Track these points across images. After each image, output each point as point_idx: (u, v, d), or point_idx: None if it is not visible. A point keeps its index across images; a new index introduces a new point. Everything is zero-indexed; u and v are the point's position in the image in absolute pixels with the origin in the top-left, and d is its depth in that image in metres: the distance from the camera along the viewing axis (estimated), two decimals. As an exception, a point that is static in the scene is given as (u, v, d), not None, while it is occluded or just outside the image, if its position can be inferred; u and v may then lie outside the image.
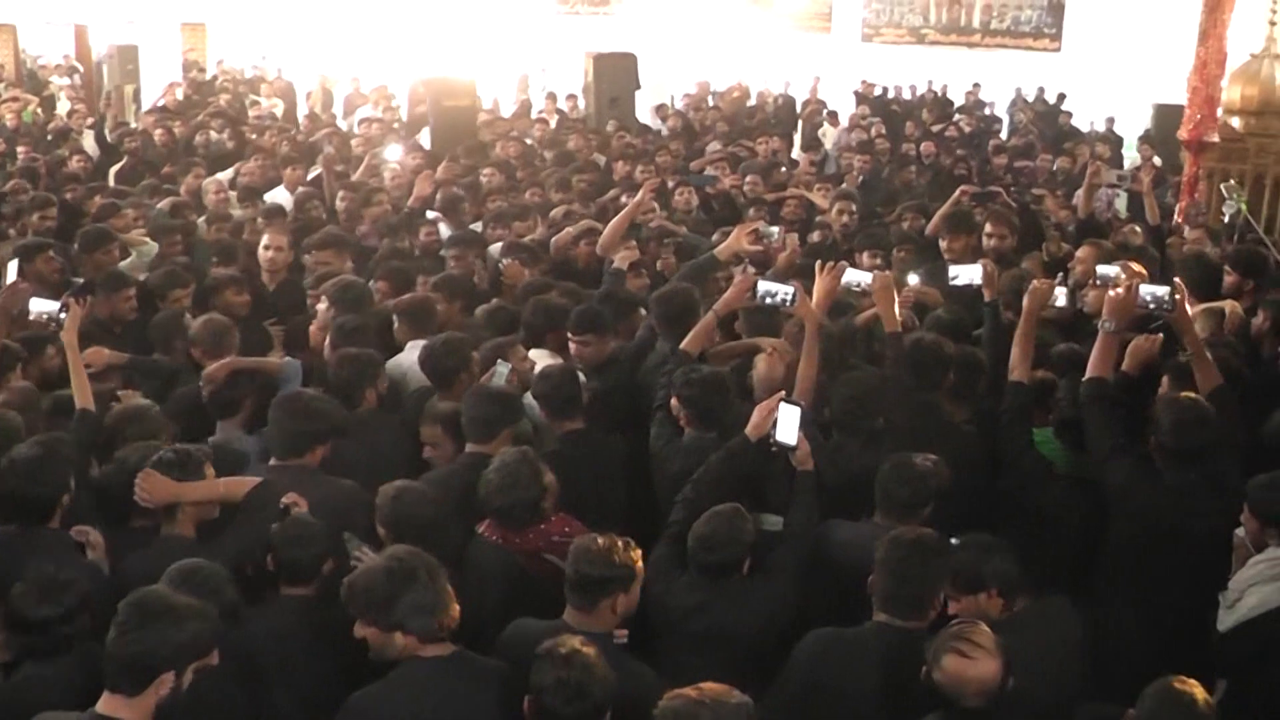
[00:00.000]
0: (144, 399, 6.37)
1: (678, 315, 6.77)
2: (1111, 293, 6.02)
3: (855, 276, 6.67)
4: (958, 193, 10.10)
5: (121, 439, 5.67)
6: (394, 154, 13.61)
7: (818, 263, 6.67)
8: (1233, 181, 9.45)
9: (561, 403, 6.16)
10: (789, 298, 6.31)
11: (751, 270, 7.57)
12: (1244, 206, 9.18)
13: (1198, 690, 3.98)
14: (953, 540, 4.87)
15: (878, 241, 9.07)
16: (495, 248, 9.56)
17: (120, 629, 3.87)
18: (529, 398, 6.35)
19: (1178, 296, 6.03)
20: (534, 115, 20.17)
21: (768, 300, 6.40)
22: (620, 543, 4.62)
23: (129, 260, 9.06)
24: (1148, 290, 6.02)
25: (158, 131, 15.95)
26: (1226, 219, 12.43)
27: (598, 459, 6.18)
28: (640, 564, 4.69)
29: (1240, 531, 5.41)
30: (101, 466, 5.63)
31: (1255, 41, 14.45)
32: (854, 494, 5.62)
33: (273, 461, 5.75)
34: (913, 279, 7.83)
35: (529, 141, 16.20)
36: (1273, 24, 14.36)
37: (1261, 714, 5.14)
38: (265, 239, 8.98)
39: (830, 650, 4.67)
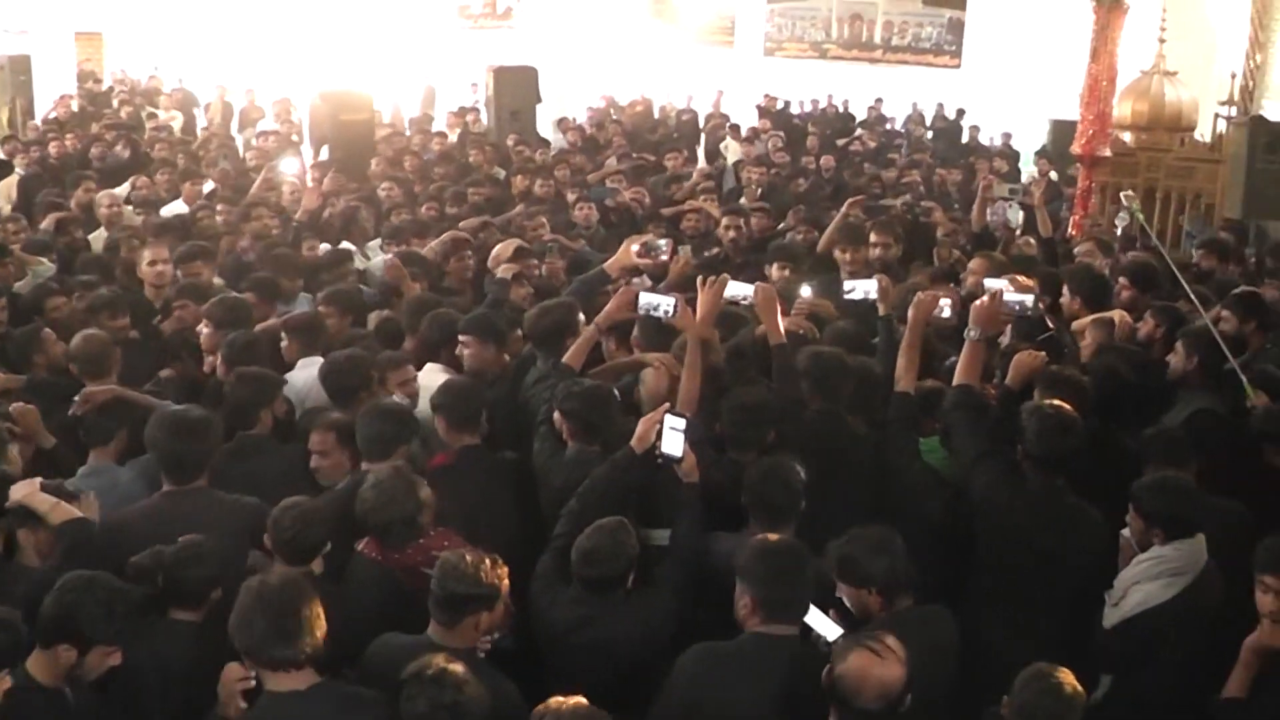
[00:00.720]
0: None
1: (548, 333, 6.68)
2: (976, 302, 6.06)
3: (738, 290, 6.63)
4: (846, 205, 10.14)
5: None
6: (290, 167, 13.45)
7: (699, 278, 6.64)
8: (1130, 191, 9.60)
9: (463, 416, 6.07)
10: (670, 310, 6.28)
11: (646, 282, 7.54)
12: (1139, 215, 9.33)
13: (1066, 675, 4.15)
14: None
15: (788, 254, 9.06)
16: (376, 262, 9.58)
17: None
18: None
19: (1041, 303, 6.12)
20: (434, 129, 20.04)
21: (649, 312, 6.37)
22: (488, 560, 4.58)
23: (24, 280, 8.89)
24: (1012, 298, 6.08)
25: (52, 144, 15.73)
26: (1119, 230, 12.63)
27: (493, 474, 6.11)
28: (506, 582, 4.65)
29: (1126, 532, 5.50)
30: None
31: (1145, 59, 14.78)
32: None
33: (166, 487, 5.55)
34: (805, 291, 7.83)
35: (428, 157, 16.13)
36: (1162, 41, 14.71)
37: (1144, 709, 5.24)
38: (148, 254, 8.69)
39: (708, 663, 4.63)
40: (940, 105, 25.37)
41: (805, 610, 4.64)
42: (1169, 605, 5.16)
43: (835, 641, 4.19)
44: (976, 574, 5.61)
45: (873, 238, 9.07)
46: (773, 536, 4.89)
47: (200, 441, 5.54)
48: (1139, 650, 5.23)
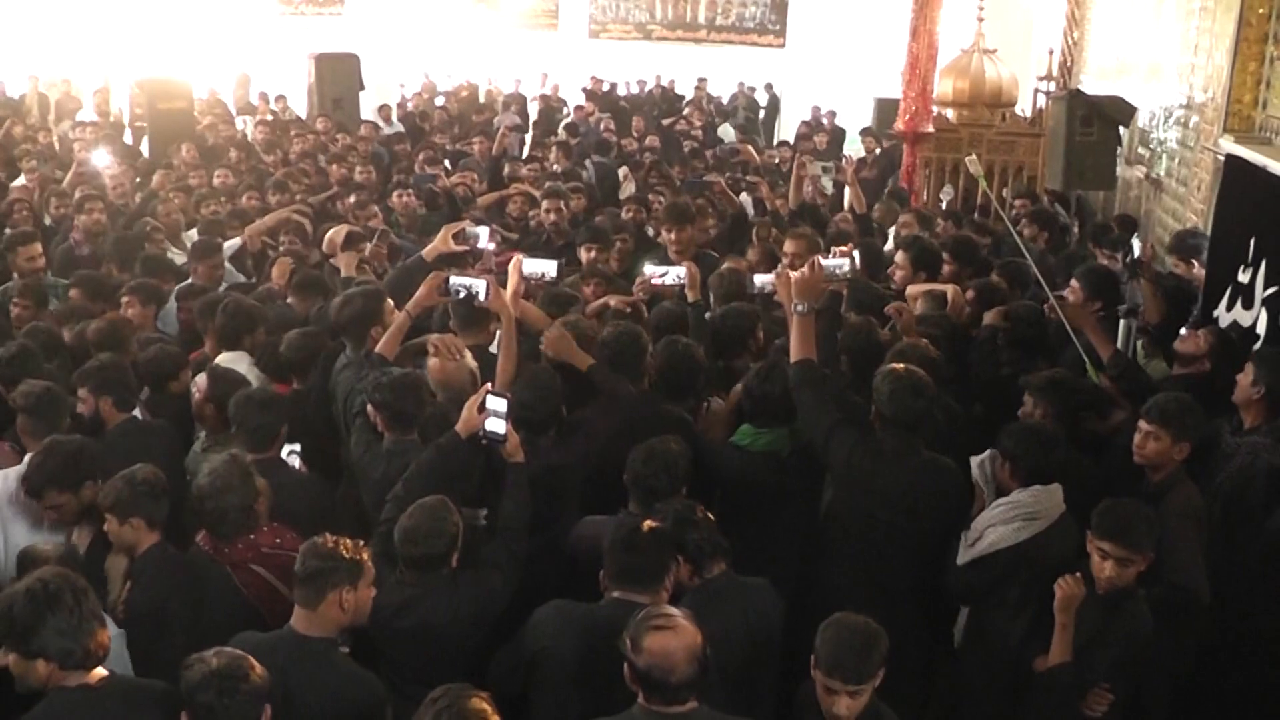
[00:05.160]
0: None
1: (351, 323, 6.55)
2: (795, 275, 6.01)
3: (537, 267, 6.63)
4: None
5: None
6: (102, 160, 13.09)
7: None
8: (973, 156, 9.70)
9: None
10: (482, 292, 6.23)
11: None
12: (983, 180, 9.45)
13: (862, 618, 4.34)
14: None
15: (596, 236, 9.03)
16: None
17: None
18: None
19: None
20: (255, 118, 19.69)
21: (460, 294, 6.31)
22: (349, 541, 4.59)
23: None
24: (831, 264, 6.08)
25: None
26: (945, 204, 12.77)
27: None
28: (369, 562, 4.63)
29: (975, 470, 5.69)
30: None
31: (965, 37, 14.98)
32: (550, 483, 5.66)
33: None
34: (648, 269, 7.74)
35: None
36: (981, 20, 14.93)
37: (994, 636, 5.42)
38: None
39: (561, 618, 4.71)
40: (769, 85, 25.58)
41: (659, 580, 4.67)
42: (1019, 547, 5.33)
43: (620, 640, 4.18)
44: (830, 538, 5.76)
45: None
46: (627, 517, 5.02)
47: None
48: (987, 585, 5.43)
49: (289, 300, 8.00)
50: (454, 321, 6.81)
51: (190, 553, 5.20)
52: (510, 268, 6.86)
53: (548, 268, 6.62)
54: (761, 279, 7.12)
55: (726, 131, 21.20)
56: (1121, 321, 7.34)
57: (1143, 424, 5.69)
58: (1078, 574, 4.99)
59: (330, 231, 8.96)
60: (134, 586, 5.03)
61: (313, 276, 8.23)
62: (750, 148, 15.96)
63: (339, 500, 6.26)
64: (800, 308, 5.86)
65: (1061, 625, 4.99)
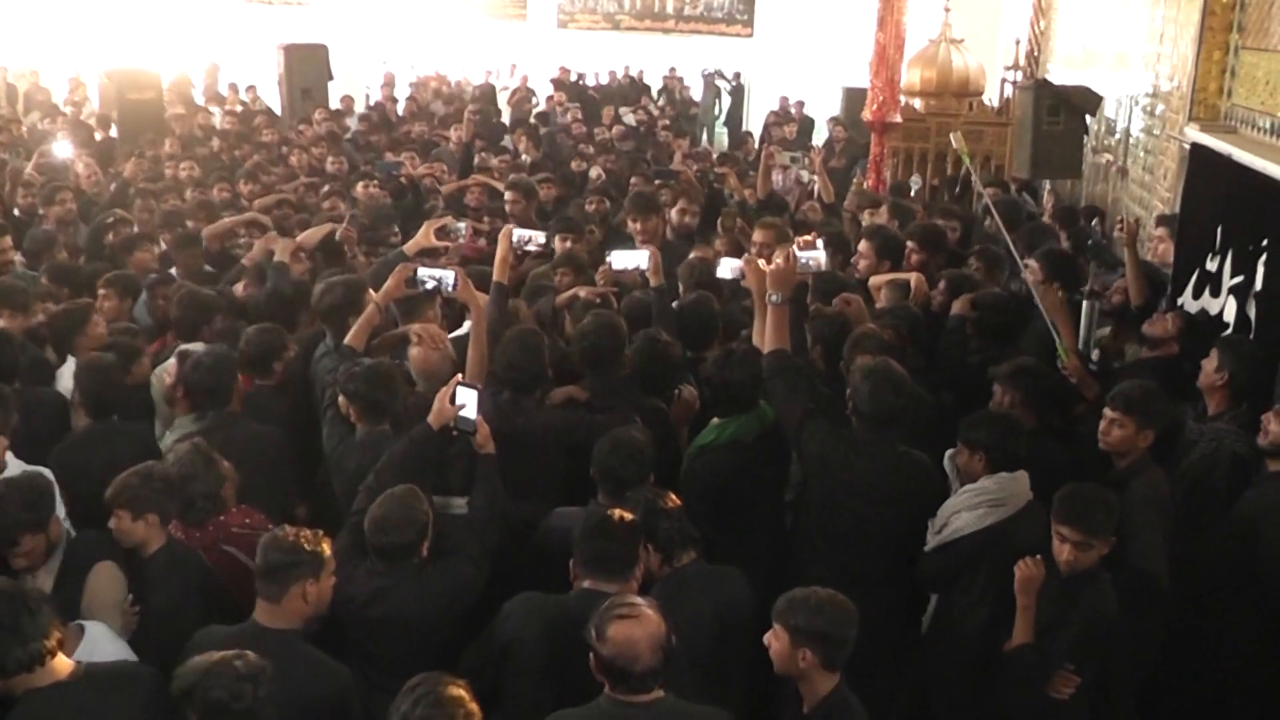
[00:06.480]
0: None
1: (331, 310, 6.60)
2: (770, 265, 6.02)
3: (526, 233, 6.89)
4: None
5: None
6: (63, 151, 13.04)
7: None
8: (958, 133, 9.69)
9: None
10: (450, 284, 6.27)
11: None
12: (967, 158, 9.44)
13: (844, 599, 4.36)
14: None
15: (570, 226, 9.05)
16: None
17: None
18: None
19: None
20: (224, 108, 19.58)
21: (427, 286, 6.35)
22: (309, 533, 4.60)
23: None
24: (805, 255, 6.12)
25: None
26: (912, 193, 12.79)
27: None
28: (329, 554, 4.64)
29: (947, 465, 5.76)
30: None
31: (932, 27, 15.02)
32: (531, 439, 5.80)
33: None
34: (611, 257, 7.76)
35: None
36: (948, 10, 14.97)
37: (959, 622, 5.49)
38: None
39: (531, 609, 4.70)
40: (738, 73, 25.63)
41: (629, 569, 4.68)
42: (984, 533, 5.37)
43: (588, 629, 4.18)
44: (804, 527, 5.77)
45: (681, 204, 9.44)
46: (596, 508, 5.03)
47: None
48: (952, 570, 5.49)
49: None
50: (394, 307, 6.85)
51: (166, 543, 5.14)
52: (500, 236, 6.92)
53: (535, 234, 6.65)
54: (728, 263, 7.14)
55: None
56: (1084, 304, 7.38)
57: (1108, 411, 5.73)
58: (1038, 557, 5.04)
59: (308, 232, 8.86)
60: (148, 589, 4.96)
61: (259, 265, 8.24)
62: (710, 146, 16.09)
63: (317, 487, 6.28)
64: (774, 298, 5.86)
65: (1023, 607, 5.05)
